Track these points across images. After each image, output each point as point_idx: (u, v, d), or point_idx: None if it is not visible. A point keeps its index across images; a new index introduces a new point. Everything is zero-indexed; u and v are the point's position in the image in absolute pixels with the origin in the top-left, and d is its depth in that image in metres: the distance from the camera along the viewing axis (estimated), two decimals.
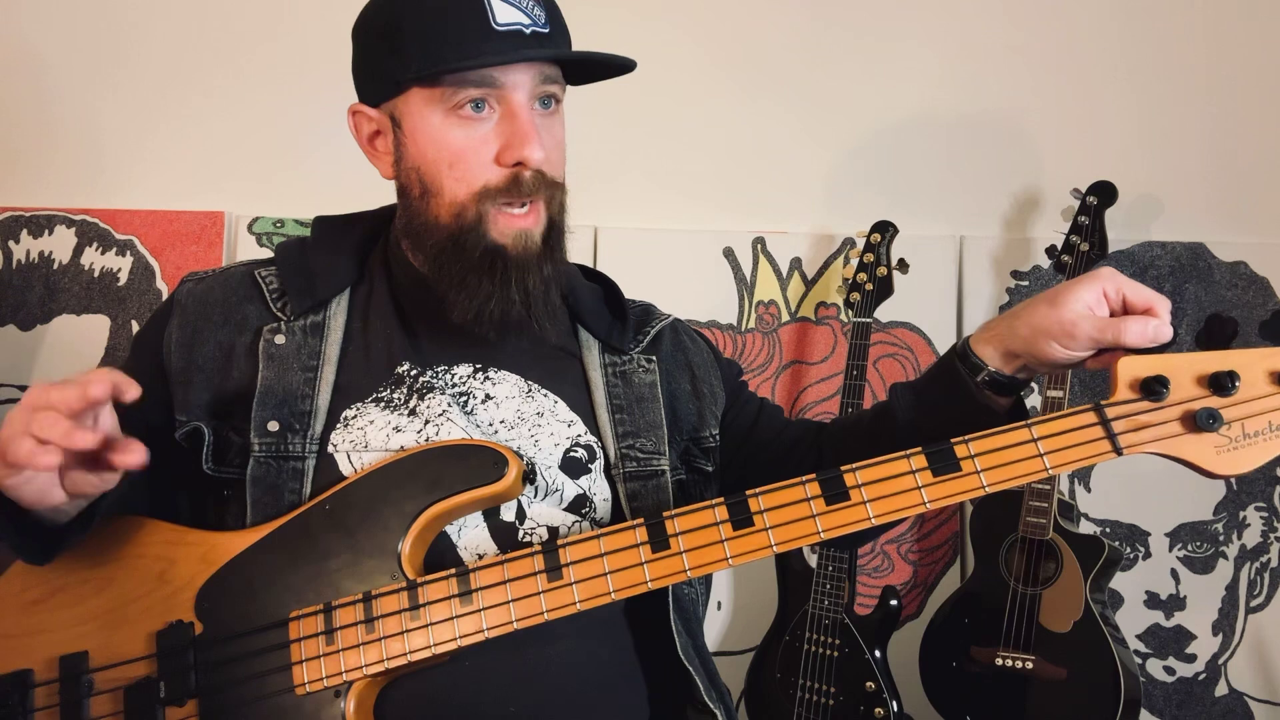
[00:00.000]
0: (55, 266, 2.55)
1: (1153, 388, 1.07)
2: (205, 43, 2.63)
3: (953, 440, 1.09)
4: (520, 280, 1.21)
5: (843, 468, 1.10)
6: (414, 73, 1.18)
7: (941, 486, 1.09)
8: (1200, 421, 1.05)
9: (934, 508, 1.10)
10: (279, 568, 1.13)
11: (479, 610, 1.09)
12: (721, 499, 1.11)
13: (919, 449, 1.10)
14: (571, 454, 1.26)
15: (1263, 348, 1.09)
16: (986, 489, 1.08)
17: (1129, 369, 1.08)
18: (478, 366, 1.27)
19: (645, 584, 1.10)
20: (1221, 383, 1.06)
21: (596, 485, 1.26)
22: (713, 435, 1.38)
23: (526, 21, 1.18)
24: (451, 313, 1.22)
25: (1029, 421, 1.10)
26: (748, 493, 1.11)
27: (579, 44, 1.27)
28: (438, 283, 1.23)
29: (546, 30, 1.20)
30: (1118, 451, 1.07)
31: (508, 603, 1.09)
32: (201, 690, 1.10)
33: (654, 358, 1.38)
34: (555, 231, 1.24)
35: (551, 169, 1.22)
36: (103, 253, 2.55)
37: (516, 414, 1.25)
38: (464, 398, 1.25)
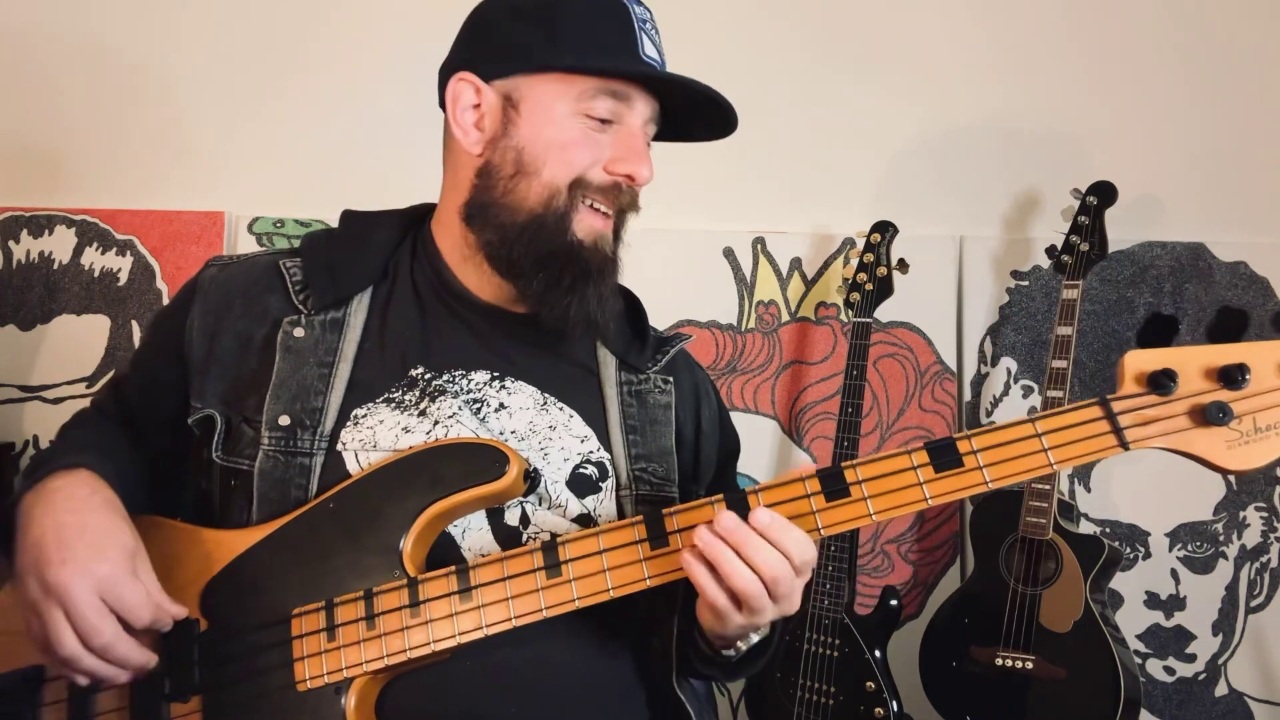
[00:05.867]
0: (55, 266, 2.55)
1: (1160, 381, 1.04)
2: (205, 43, 2.63)
3: (955, 435, 1.08)
4: (598, 280, 1.24)
5: (844, 464, 1.09)
6: (568, 60, 1.20)
7: (944, 482, 1.07)
8: (1210, 415, 1.03)
9: (936, 504, 1.07)
10: (283, 565, 1.14)
11: (478, 607, 1.09)
12: (720, 496, 1.11)
13: (921, 445, 1.09)
14: (581, 470, 1.25)
15: (1274, 340, 1.06)
16: (990, 485, 1.06)
17: (1135, 363, 1.07)
18: (495, 374, 1.26)
19: (644, 581, 1.09)
20: (1231, 376, 1.03)
21: (603, 507, 1.25)
22: (697, 494, 1.35)
23: (659, 61, 1.27)
24: (525, 294, 1.24)
25: (1033, 416, 1.07)
26: (746, 490, 1.11)
27: None
28: (505, 265, 1.24)
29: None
30: (1124, 447, 1.05)
31: (507, 600, 1.09)
32: (206, 686, 1.10)
33: (671, 379, 1.37)
34: (619, 242, 1.29)
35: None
36: (103, 253, 2.55)
37: (529, 425, 1.24)
38: (477, 404, 1.24)
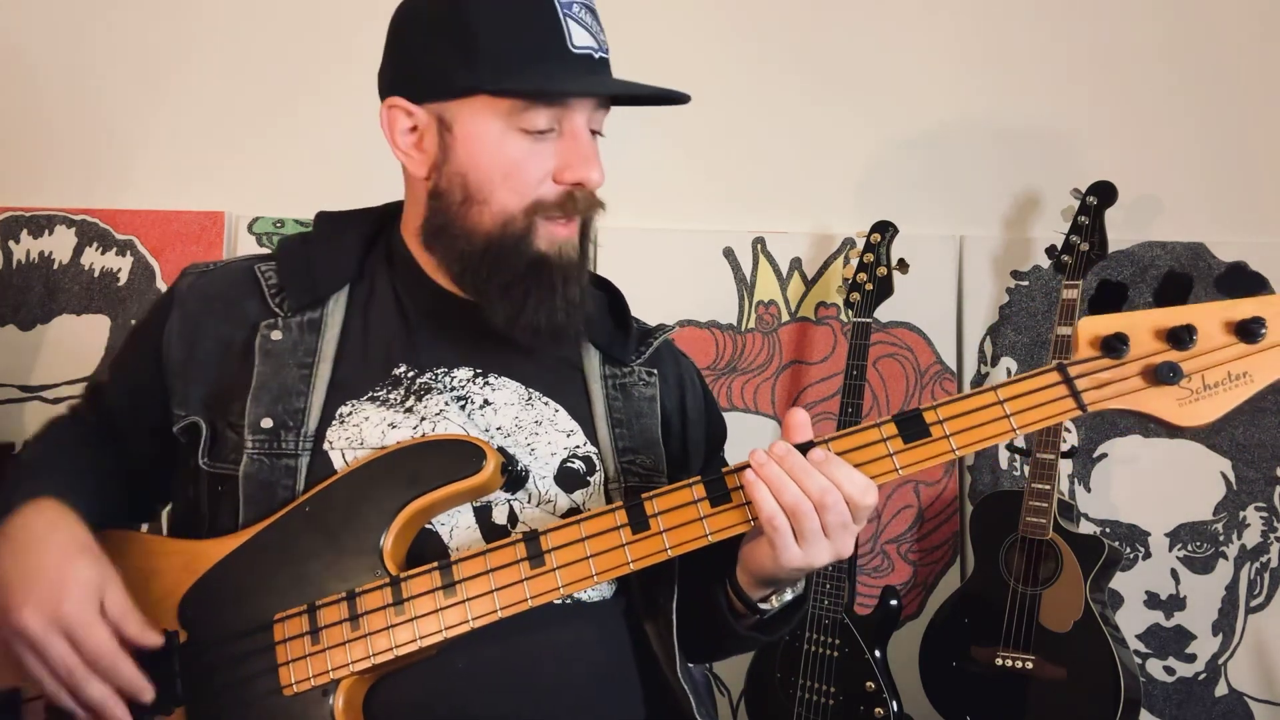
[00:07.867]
0: (55, 266, 2.56)
1: (1113, 345, 1.08)
2: (206, 43, 2.64)
3: (921, 407, 1.10)
4: (565, 289, 1.20)
5: (814, 439, 1.10)
6: (489, 84, 1.15)
7: (913, 453, 1.09)
8: (1161, 375, 1.06)
9: (906, 474, 1.09)
10: (262, 572, 1.13)
11: (463, 601, 1.09)
12: (699, 477, 1.12)
13: (889, 418, 1.10)
14: (569, 464, 1.25)
15: (1218, 301, 1.09)
16: (956, 452, 1.09)
17: (1089, 328, 1.10)
18: (478, 371, 1.26)
19: (627, 565, 1.10)
20: (1180, 336, 1.07)
21: (592, 500, 1.25)
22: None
23: (595, 46, 1.18)
24: (493, 319, 1.20)
25: (994, 385, 1.10)
26: (724, 470, 1.12)
27: None
28: (470, 288, 1.22)
29: (608, 55, 1.21)
30: (1082, 409, 1.08)
31: (491, 592, 1.09)
32: (189, 697, 1.10)
33: (655, 370, 1.37)
34: (585, 240, 1.25)
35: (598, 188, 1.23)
36: (103, 253, 2.56)
37: (514, 421, 1.24)
38: (462, 400, 1.24)
